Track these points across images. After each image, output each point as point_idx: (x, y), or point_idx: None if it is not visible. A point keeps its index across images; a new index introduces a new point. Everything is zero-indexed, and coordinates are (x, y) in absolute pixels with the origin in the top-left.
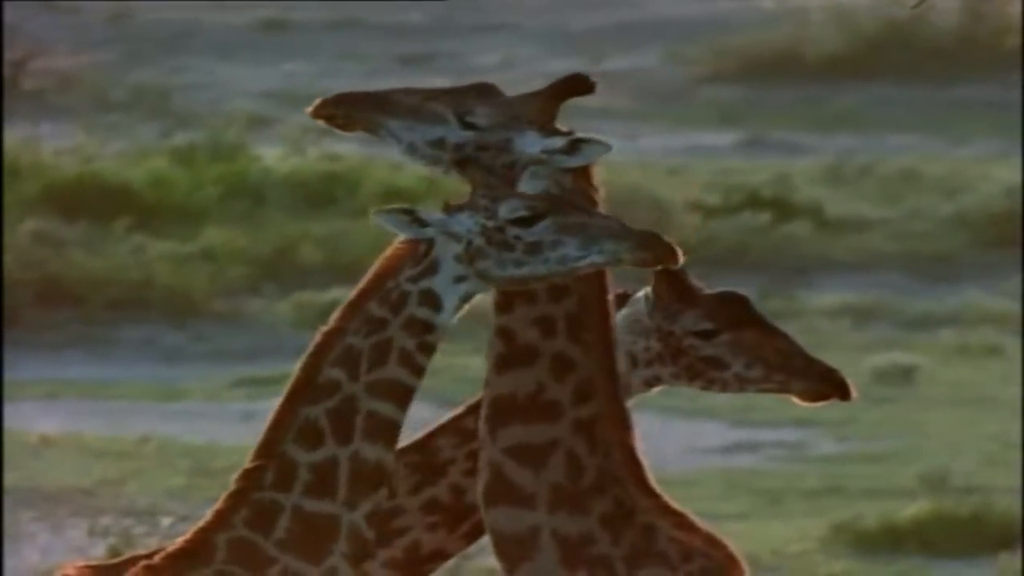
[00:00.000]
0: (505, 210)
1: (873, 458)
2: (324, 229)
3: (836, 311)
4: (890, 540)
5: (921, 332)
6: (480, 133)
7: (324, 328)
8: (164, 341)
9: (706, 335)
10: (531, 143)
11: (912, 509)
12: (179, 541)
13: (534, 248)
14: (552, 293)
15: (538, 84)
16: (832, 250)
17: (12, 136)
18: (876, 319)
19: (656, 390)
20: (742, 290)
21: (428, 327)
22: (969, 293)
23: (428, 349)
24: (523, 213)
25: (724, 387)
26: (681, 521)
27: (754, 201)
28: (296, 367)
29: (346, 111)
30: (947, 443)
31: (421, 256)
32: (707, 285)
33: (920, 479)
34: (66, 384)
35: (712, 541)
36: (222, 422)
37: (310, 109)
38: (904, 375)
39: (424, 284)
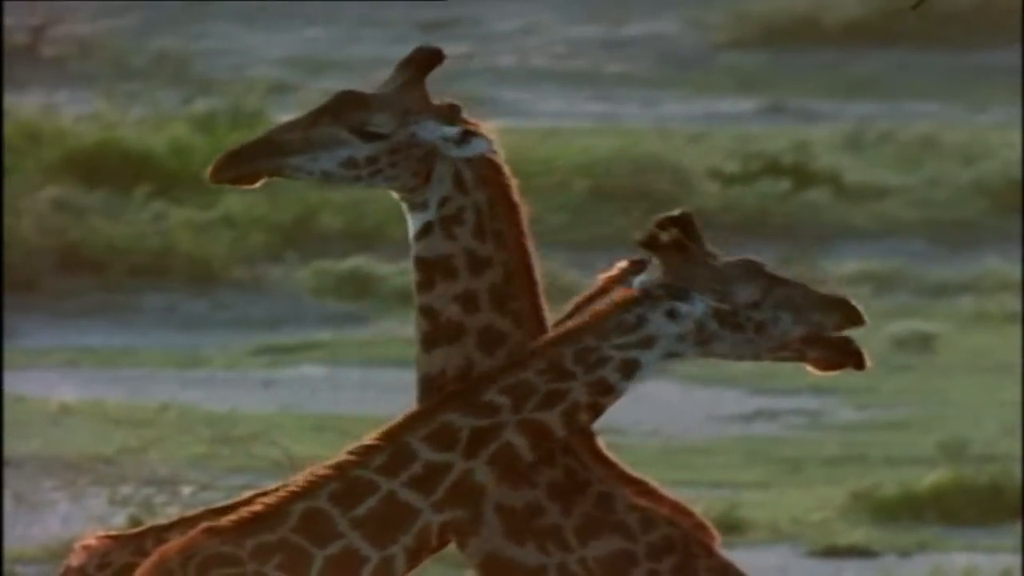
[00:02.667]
0: (744, 296)
1: (892, 426)
2: (344, 196)
3: (855, 278)
4: (909, 508)
5: (940, 299)
6: (387, 140)
7: (511, 358)
8: (184, 309)
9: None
10: (431, 131)
11: (931, 477)
12: (256, 506)
13: (762, 327)
14: (473, 267)
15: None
16: (852, 217)
17: (31, 103)
18: (895, 286)
19: None
20: (761, 257)
21: (609, 390)
22: (989, 260)
23: (597, 410)
24: (758, 298)
25: (739, 355)
26: (643, 489)
27: (774, 168)
28: (469, 380)
29: (246, 168)
30: (966, 411)
31: (632, 325)
32: (726, 252)
33: (939, 447)
34: (86, 352)
35: (679, 509)
36: (243, 390)
37: (210, 177)
38: (923, 342)
39: (632, 354)
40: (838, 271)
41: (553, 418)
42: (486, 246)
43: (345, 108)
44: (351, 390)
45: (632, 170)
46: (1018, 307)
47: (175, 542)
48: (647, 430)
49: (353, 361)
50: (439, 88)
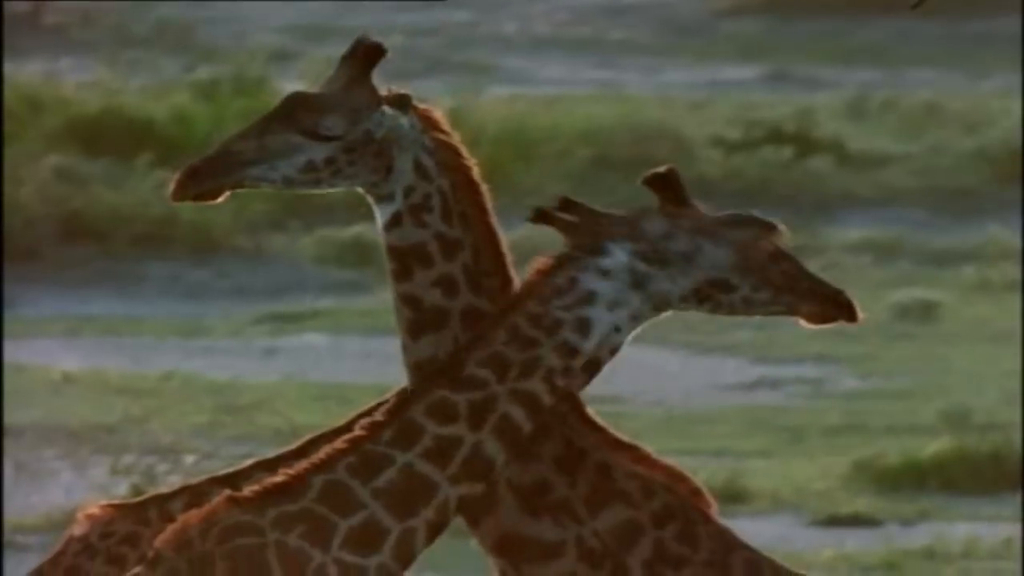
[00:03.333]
0: (654, 230)
1: (895, 395)
2: None
3: (858, 246)
4: (912, 477)
5: (943, 268)
6: (341, 140)
7: (470, 335)
8: (187, 277)
9: None
10: (384, 125)
11: (934, 446)
12: (277, 477)
13: (687, 256)
14: (446, 251)
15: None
16: (854, 185)
17: (33, 71)
18: (898, 255)
19: (665, 315)
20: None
21: (575, 352)
22: (991, 228)
23: (570, 373)
24: (668, 228)
25: (731, 310)
26: (637, 455)
27: (776, 136)
28: (442, 361)
29: (207, 185)
30: (969, 379)
31: (566, 287)
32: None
33: (942, 416)
34: (88, 321)
35: (674, 475)
36: (246, 358)
37: (172, 196)
38: (926, 311)
39: (581, 312)
40: (841, 239)
41: (537, 386)
42: (455, 229)
43: (295, 112)
44: (354, 359)
45: (634, 138)
46: (1020, 275)
47: (196, 511)
48: (649, 399)
49: (356, 330)
50: (444, 55)
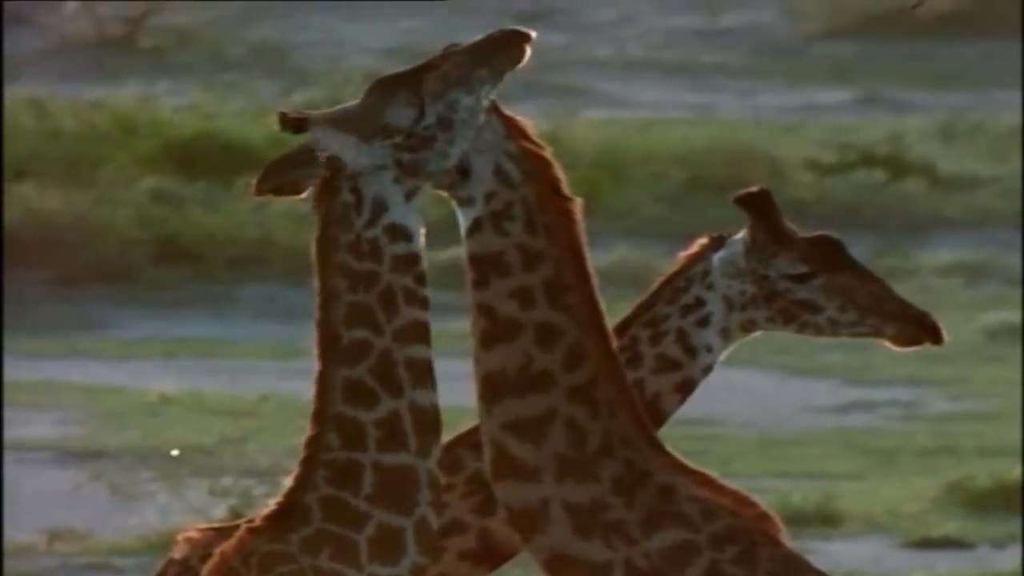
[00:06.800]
0: (400, 119)
1: (985, 417)
2: None
3: (949, 269)
4: (1002, 499)
5: None
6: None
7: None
8: (283, 300)
9: (800, 278)
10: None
11: None
12: (271, 505)
13: (446, 124)
14: (526, 263)
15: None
16: (944, 208)
17: (129, 94)
18: (988, 277)
19: (753, 335)
20: (856, 248)
21: (411, 260)
22: None
23: (423, 280)
24: (415, 114)
25: (818, 330)
26: (703, 479)
27: (868, 159)
28: (315, 334)
29: (284, 177)
30: None
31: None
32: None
33: None
34: (185, 342)
35: (741, 500)
36: None
37: (253, 191)
38: (1016, 333)
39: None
40: (932, 261)
41: (410, 313)
42: (538, 240)
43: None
44: (449, 381)
45: (727, 161)
46: None
47: (227, 543)
48: (743, 421)
49: (451, 352)
50: (539, 79)
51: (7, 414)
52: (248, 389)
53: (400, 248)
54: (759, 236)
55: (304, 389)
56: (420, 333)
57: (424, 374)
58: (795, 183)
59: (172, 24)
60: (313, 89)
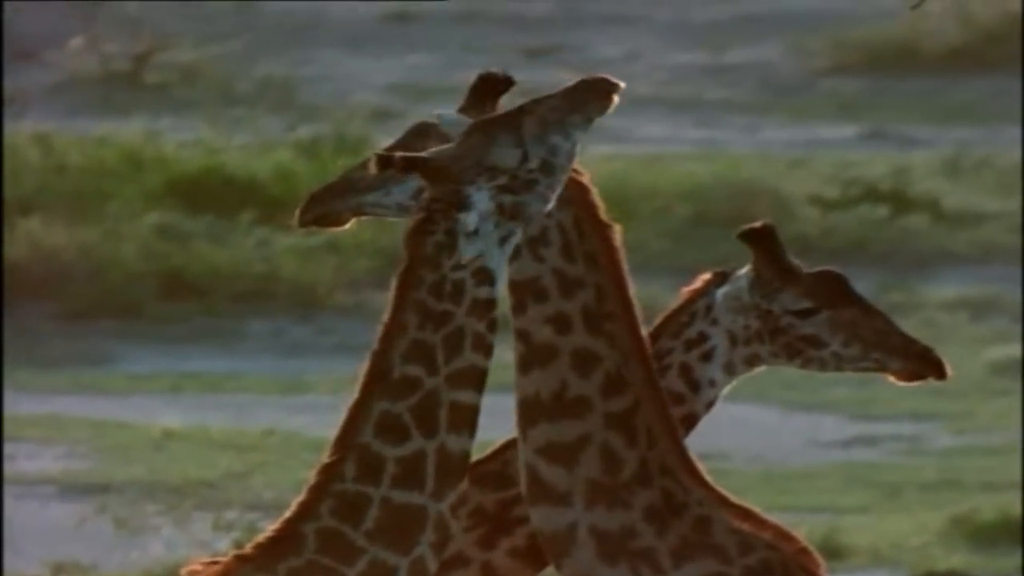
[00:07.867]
0: (508, 160)
1: (991, 451)
2: None
3: (954, 304)
4: (1007, 533)
5: None
6: None
7: (384, 324)
8: (289, 334)
9: (804, 313)
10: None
11: None
12: (267, 531)
13: (546, 167)
14: (564, 289)
15: (663, 76)
16: (950, 243)
17: (135, 129)
18: (993, 312)
19: (758, 370)
20: (860, 283)
21: (489, 305)
22: None
23: (494, 327)
24: (520, 156)
25: (822, 365)
26: (745, 514)
27: (873, 194)
28: (366, 364)
29: (327, 208)
30: None
31: (448, 243)
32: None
33: None
34: (190, 377)
35: (781, 534)
36: None
37: (297, 221)
38: (1021, 368)
39: (483, 264)
40: (937, 296)
41: (471, 358)
42: (576, 266)
43: (412, 141)
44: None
45: (733, 196)
46: None
47: (212, 570)
48: (748, 455)
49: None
50: None
51: (12, 448)
52: (253, 423)
53: (483, 292)
54: (763, 271)
55: (309, 424)
56: (475, 379)
57: (464, 420)
58: (800, 218)
59: (177, 60)
60: (319, 124)
